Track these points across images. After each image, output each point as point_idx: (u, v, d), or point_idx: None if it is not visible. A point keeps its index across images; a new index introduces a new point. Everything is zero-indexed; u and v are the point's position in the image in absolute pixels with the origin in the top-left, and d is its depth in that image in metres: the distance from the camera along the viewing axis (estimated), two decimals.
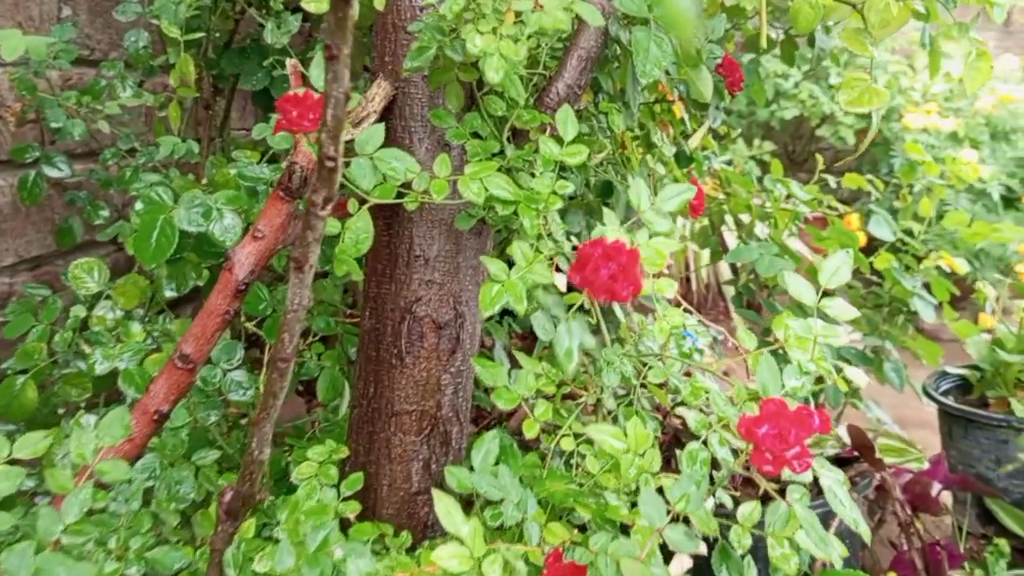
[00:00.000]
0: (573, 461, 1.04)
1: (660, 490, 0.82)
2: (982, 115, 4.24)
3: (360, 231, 0.93)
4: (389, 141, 1.06)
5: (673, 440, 1.39)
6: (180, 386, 1.01)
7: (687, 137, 1.93)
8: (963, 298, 3.19)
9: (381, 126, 0.95)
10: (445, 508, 0.72)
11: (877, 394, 2.02)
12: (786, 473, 0.73)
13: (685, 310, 1.13)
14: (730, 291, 3.27)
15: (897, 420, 2.08)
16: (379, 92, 1.04)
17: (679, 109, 1.71)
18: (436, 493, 0.72)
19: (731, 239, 2.81)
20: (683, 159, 1.79)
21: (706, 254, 3.14)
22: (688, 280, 3.80)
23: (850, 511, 0.77)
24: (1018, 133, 4.18)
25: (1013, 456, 1.64)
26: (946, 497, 1.67)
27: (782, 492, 0.83)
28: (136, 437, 1.01)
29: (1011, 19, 4.97)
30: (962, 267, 1.98)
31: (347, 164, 0.92)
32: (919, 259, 1.96)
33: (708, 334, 1.17)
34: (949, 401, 1.81)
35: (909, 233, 2.00)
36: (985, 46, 0.98)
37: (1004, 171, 4.04)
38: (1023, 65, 4.44)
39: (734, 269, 3.37)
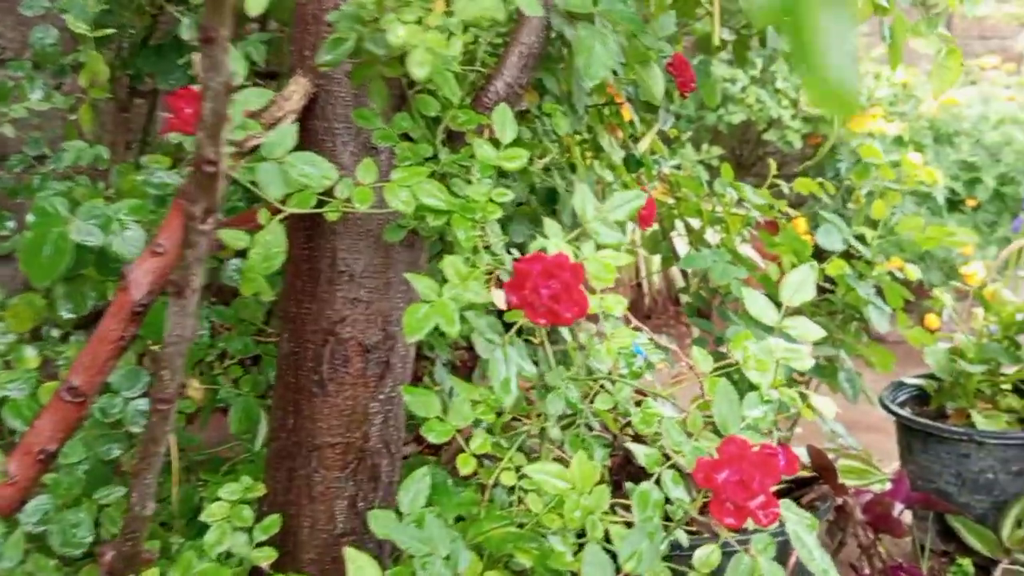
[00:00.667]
0: (516, 495, 0.94)
1: (608, 536, 0.73)
2: (926, 119, 4.27)
3: (271, 245, 0.83)
4: (310, 144, 0.96)
5: (624, 462, 1.31)
6: (69, 421, 0.90)
7: (636, 141, 1.86)
8: (913, 301, 3.18)
9: (293, 127, 0.85)
10: (358, 568, 0.62)
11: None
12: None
13: (635, 327, 1.04)
14: (682, 297, 3.21)
15: (847, 423, 2.02)
16: (297, 89, 0.93)
17: (628, 112, 1.63)
18: (349, 553, 0.62)
19: (681, 244, 2.75)
20: (632, 163, 1.71)
21: (657, 259, 3.08)
22: (639, 286, 3.73)
23: (820, 561, 0.69)
24: (961, 136, 4.21)
25: (974, 471, 1.60)
26: (906, 514, 1.61)
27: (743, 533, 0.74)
28: (18, 480, 0.89)
29: (952, 23, 5.02)
30: (914, 273, 1.93)
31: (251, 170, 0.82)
32: (871, 264, 1.91)
33: (658, 352, 1.08)
34: (907, 413, 1.75)
35: (862, 239, 1.95)
36: (955, 43, 0.92)
37: (948, 174, 4.06)
38: (964, 69, 4.48)
39: (685, 275, 3.31)
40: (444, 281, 0.85)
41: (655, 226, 2.28)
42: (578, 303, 0.72)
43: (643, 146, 1.87)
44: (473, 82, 1.02)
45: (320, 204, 0.88)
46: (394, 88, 0.95)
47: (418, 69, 0.77)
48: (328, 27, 0.93)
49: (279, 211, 0.86)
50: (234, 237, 0.83)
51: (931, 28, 0.91)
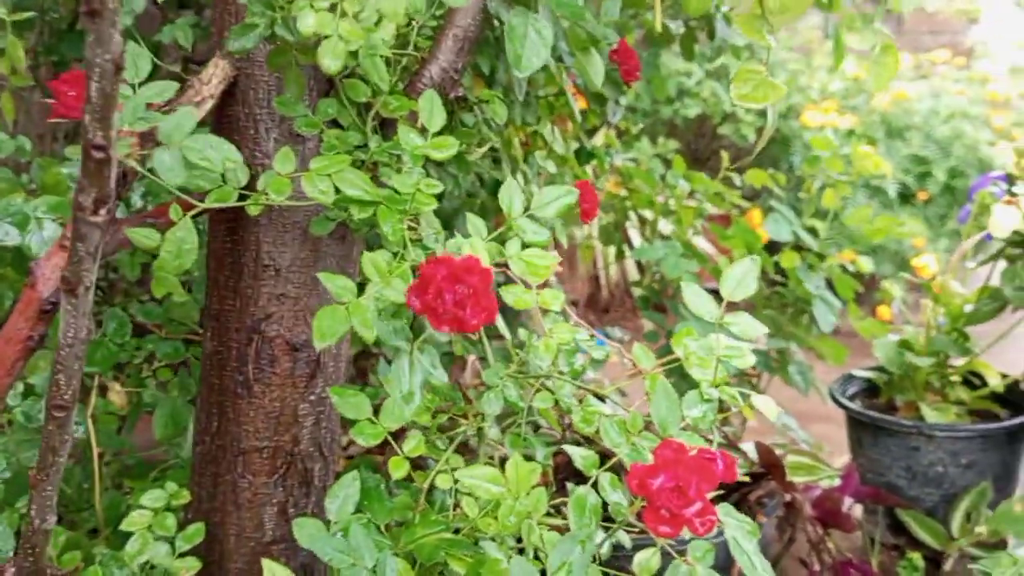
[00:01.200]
0: (454, 499, 0.90)
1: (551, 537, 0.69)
2: (878, 113, 4.29)
3: (183, 242, 0.78)
4: (231, 132, 0.91)
5: (569, 460, 1.27)
6: None
7: (590, 133, 1.83)
8: (865, 293, 3.20)
9: (190, 110, 0.79)
10: None
11: (777, 389, 1.94)
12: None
13: (576, 323, 1.01)
14: (635, 290, 3.20)
15: (799, 413, 2.02)
16: (216, 73, 0.88)
17: (582, 102, 1.60)
18: (267, 564, 0.58)
19: (637, 236, 2.73)
20: (584, 155, 1.68)
21: (613, 251, 3.07)
22: (597, 279, 3.72)
23: (760, 569, 0.66)
24: (912, 130, 4.24)
25: (924, 464, 1.59)
26: (857, 508, 1.60)
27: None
28: None
29: (902, 18, 5.06)
30: (866, 264, 1.94)
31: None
32: (822, 256, 1.90)
33: (604, 349, 1.05)
34: (856, 406, 1.74)
35: (812, 231, 1.94)
36: (891, 39, 0.90)
37: (899, 168, 4.09)
38: (915, 63, 4.52)
39: (641, 267, 3.30)
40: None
41: (610, 217, 2.26)
42: (486, 309, 0.68)
43: (598, 141, 1.84)
44: (406, 67, 0.98)
45: (243, 197, 0.83)
46: (320, 72, 0.91)
47: (329, 61, 0.73)
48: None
49: (194, 205, 0.81)
50: (144, 235, 0.78)
51: (866, 24, 0.89)
